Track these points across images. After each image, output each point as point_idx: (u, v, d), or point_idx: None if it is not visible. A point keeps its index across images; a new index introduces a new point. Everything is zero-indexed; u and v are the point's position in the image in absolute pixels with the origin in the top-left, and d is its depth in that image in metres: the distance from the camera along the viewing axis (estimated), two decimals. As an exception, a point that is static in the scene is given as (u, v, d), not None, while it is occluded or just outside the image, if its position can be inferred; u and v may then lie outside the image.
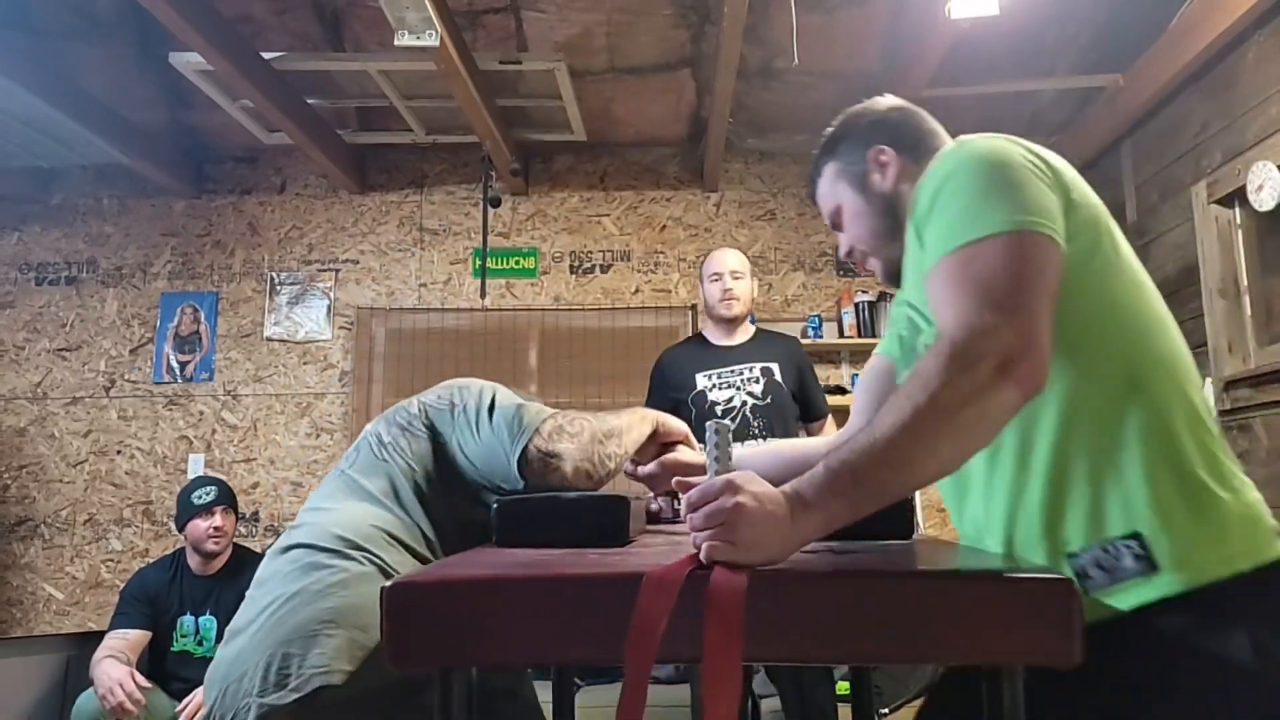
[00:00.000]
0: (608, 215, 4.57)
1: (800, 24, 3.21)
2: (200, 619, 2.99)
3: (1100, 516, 0.95)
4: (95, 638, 2.98)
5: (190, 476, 4.09)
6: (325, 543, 1.31)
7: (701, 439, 0.93)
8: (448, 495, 1.42)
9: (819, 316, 4.33)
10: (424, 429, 1.45)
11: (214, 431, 4.37)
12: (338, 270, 4.50)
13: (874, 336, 4.17)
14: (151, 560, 3.56)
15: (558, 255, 4.52)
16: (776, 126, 4.29)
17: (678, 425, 1.55)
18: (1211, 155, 3.25)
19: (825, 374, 4.12)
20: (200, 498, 3.01)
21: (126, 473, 4.34)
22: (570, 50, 3.66)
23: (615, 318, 4.44)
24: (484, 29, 3.57)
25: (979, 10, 2.90)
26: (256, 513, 4.27)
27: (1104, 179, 4.08)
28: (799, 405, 2.99)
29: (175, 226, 4.54)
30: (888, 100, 1.28)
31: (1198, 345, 3.34)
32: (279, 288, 4.48)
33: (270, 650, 1.23)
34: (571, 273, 4.50)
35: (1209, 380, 3.24)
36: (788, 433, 2.91)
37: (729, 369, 2.97)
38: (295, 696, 1.19)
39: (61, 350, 4.44)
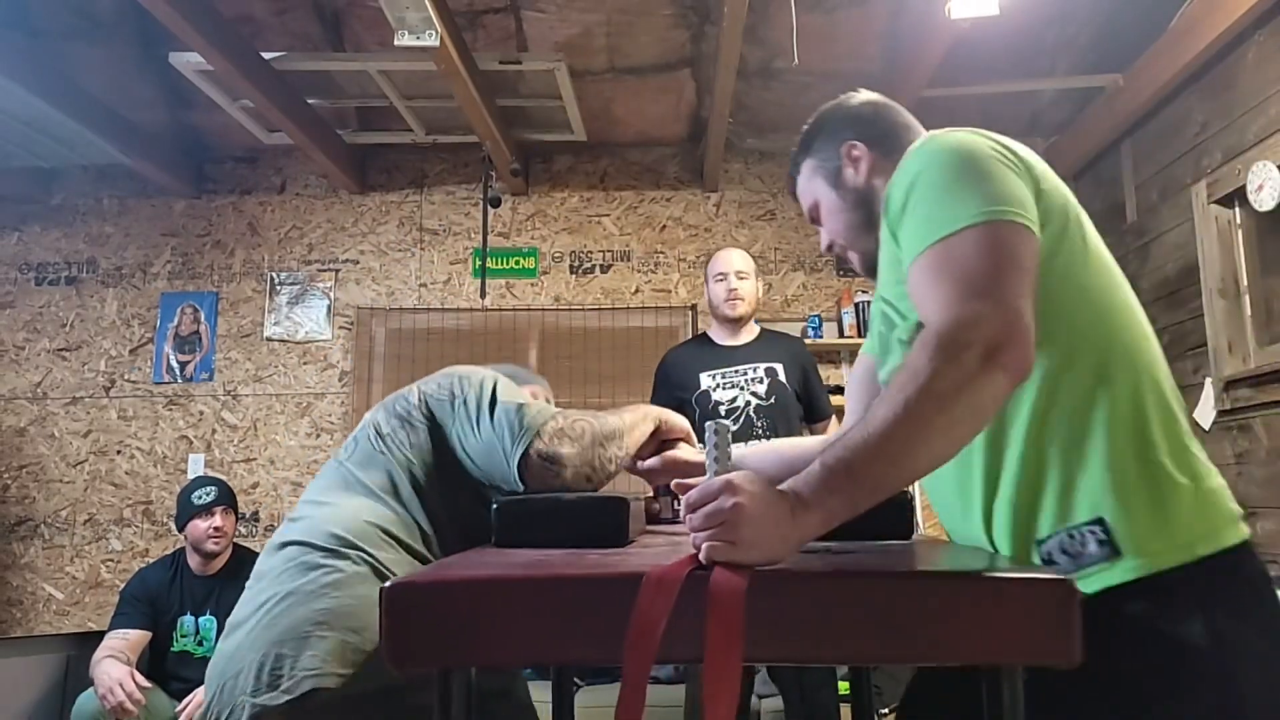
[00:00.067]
0: (608, 215, 4.57)
1: (800, 24, 3.21)
2: (200, 619, 2.99)
3: (1068, 503, 0.96)
4: (95, 638, 2.98)
5: (190, 476, 4.09)
6: (320, 541, 1.31)
7: (703, 439, 0.94)
8: (447, 490, 1.41)
9: (819, 316, 4.33)
10: (423, 420, 1.43)
11: (214, 431, 4.37)
12: (338, 270, 4.50)
13: (874, 336, 4.16)
14: (151, 560, 3.57)
15: (558, 255, 4.53)
16: (776, 126, 4.29)
17: (679, 422, 1.55)
18: (1211, 155, 3.25)
19: (825, 374, 4.11)
20: (200, 498, 3.01)
21: (126, 473, 4.34)
22: (570, 50, 3.66)
23: (615, 318, 4.44)
24: (484, 29, 3.58)
25: (979, 10, 2.90)
26: (256, 513, 4.28)
27: (1104, 179, 4.08)
28: (803, 406, 3.00)
29: (175, 226, 4.54)
30: (861, 95, 1.29)
31: (1198, 345, 3.34)
32: (279, 288, 4.48)
33: (264, 650, 1.23)
34: (571, 273, 4.50)
35: (1209, 380, 3.24)
36: (791, 433, 2.90)
37: (733, 369, 2.98)
38: (287, 698, 1.19)
39: (61, 350, 4.44)
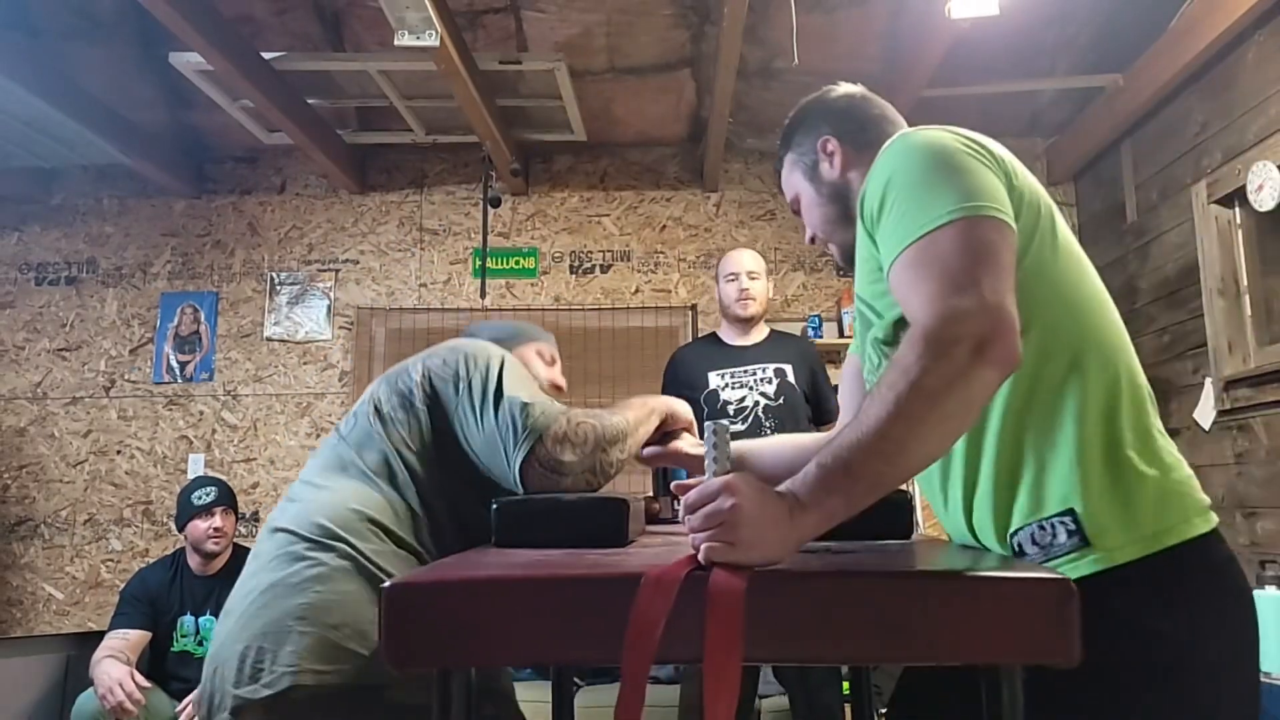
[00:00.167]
0: (608, 215, 4.57)
1: (800, 24, 3.21)
2: (200, 619, 2.99)
3: (1040, 495, 0.98)
4: (95, 638, 2.98)
5: (190, 476, 4.09)
6: (306, 531, 1.31)
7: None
8: (444, 474, 1.39)
9: (819, 316, 4.33)
10: (425, 400, 1.40)
11: (214, 431, 4.37)
12: (338, 270, 4.50)
13: (874, 336, 4.17)
14: (151, 560, 3.57)
15: (558, 255, 4.53)
16: (776, 126, 4.22)
17: (684, 413, 1.55)
18: (1211, 155, 3.25)
19: (825, 374, 4.12)
20: (200, 498, 3.01)
21: (126, 473, 4.34)
22: (570, 50, 3.66)
23: (615, 318, 4.44)
24: (484, 29, 3.58)
25: (979, 10, 2.90)
26: (256, 513, 4.27)
27: (1104, 179, 4.08)
28: (811, 407, 3.00)
29: (175, 226, 4.54)
30: (839, 89, 1.32)
31: (1198, 345, 3.34)
32: (279, 288, 4.48)
33: (246, 642, 1.25)
34: (571, 273, 4.50)
35: (1209, 380, 3.24)
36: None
37: (742, 369, 2.99)
38: (267, 693, 1.20)
39: (61, 350, 4.44)
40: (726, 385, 2.97)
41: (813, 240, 1.31)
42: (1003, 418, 0.99)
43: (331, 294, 4.47)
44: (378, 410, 1.42)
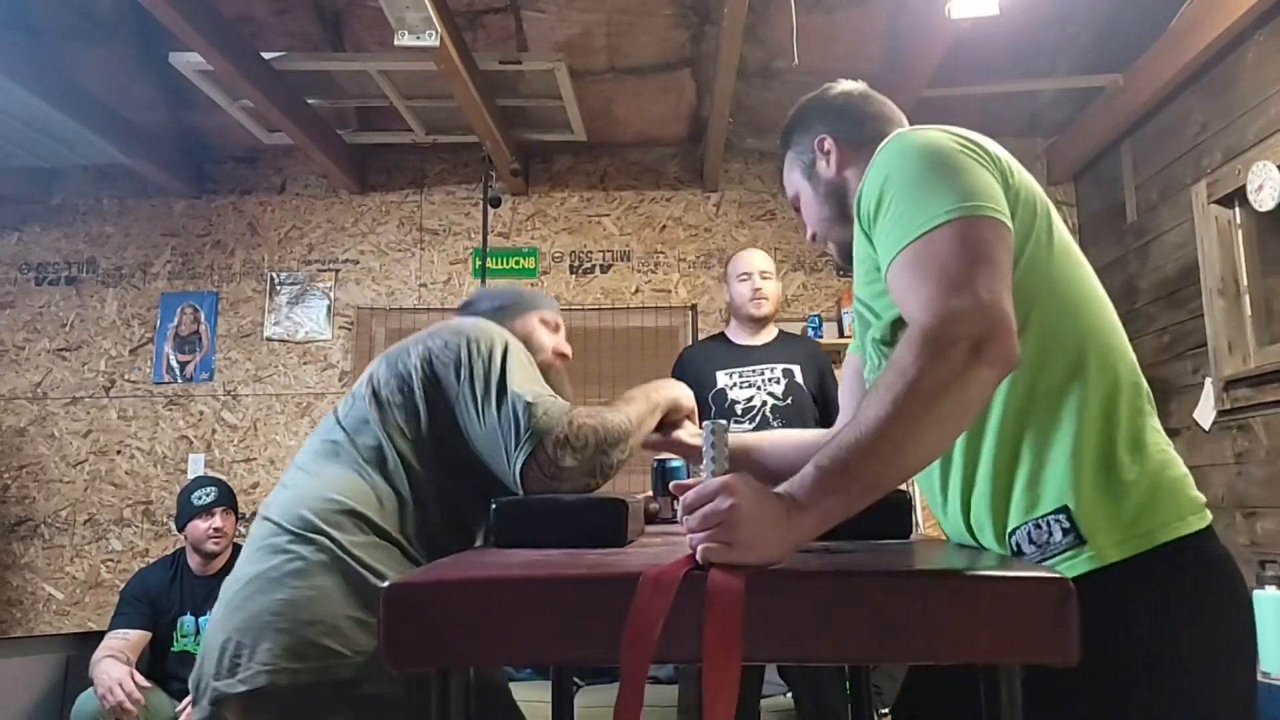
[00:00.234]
0: (608, 215, 4.57)
1: (800, 24, 3.21)
2: (200, 619, 2.99)
3: (1036, 494, 0.98)
4: (95, 638, 2.98)
5: (190, 476, 4.09)
6: (289, 523, 1.31)
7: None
8: (438, 463, 1.38)
9: (819, 316, 4.33)
10: (423, 385, 1.38)
11: (214, 431, 4.37)
12: (338, 270, 4.50)
13: (874, 336, 4.17)
14: (151, 560, 3.57)
15: (558, 255, 4.52)
16: (776, 126, 4.22)
17: (686, 402, 1.54)
18: (1211, 155, 3.25)
19: (825, 374, 4.12)
20: (200, 499, 3.01)
21: (126, 473, 4.34)
22: (570, 50, 3.66)
23: (615, 318, 4.44)
24: (484, 29, 3.58)
25: (979, 10, 2.90)
26: (256, 513, 4.27)
27: (1104, 179, 4.08)
28: (818, 408, 3.01)
29: (175, 226, 4.54)
30: (838, 87, 1.32)
31: (1198, 345, 3.34)
32: (279, 288, 4.48)
33: (227, 634, 1.26)
34: (571, 273, 4.50)
35: (1209, 380, 3.24)
36: None
37: (751, 368, 3.00)
38: (244, 689, 1.22)
39: (61, 350, 4.44)
40: (735, 385, 2.98)
41: (814, 238, 1.32)
42: (1002, 417, 1.00)
43: (331, 294, 4.47)
44: (375, 394, 1.40)
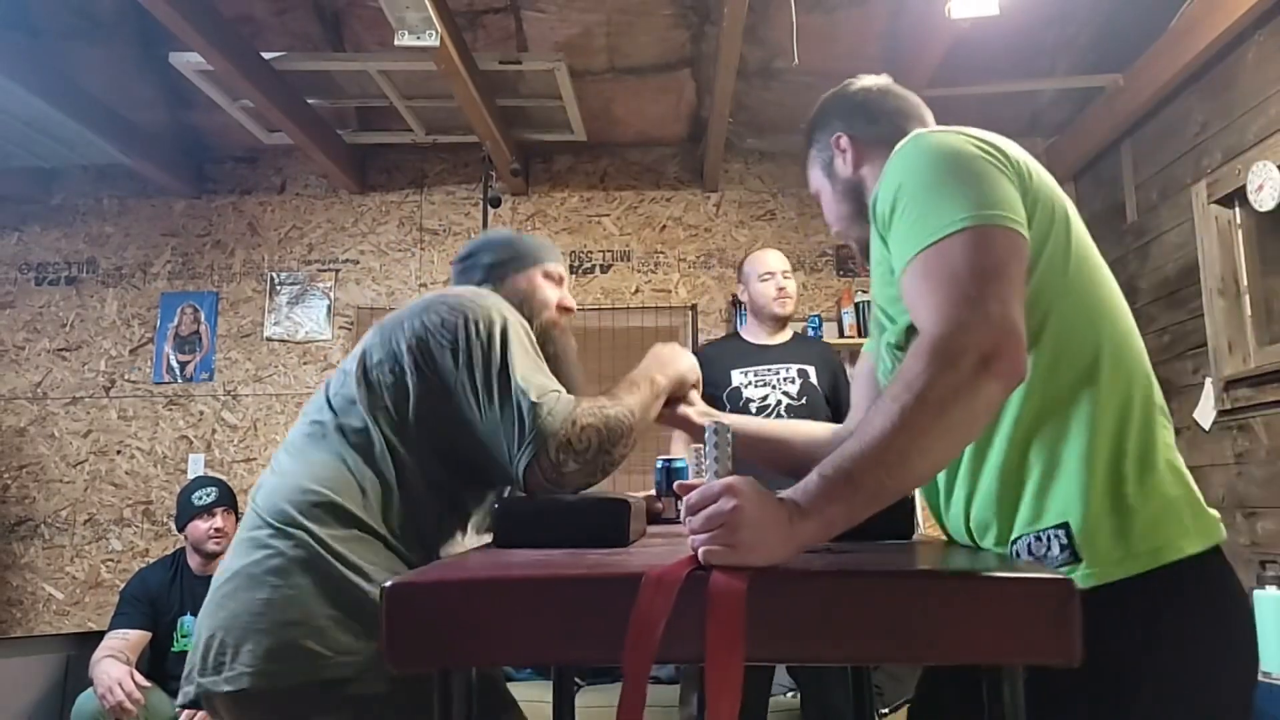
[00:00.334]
0: (608, 215, 4.57)
1: (800, 24, 3.21)
2: (200, 619, 2.99)
3: (1040, 506, 0.97)
4: (95, 638, 2.98)
5: (190, 476, 4.09)
6: (270, 516, 1.30)
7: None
8: (425, 447, 1.34)
9: (819, 316, 4.33)
10: (414, 365, 1.33)
11: (214, 431, 4.37)
12: (338, 270, 4.50)
13: (874, 336, 4.17)
14: (151, 560, 3.57)
15: (558, 255, 4.52)
16: (776, 126, 4.29)
17: (690, 376, 1.52)
18: (1211, 155, 3.25)
19: (825, 374, 4.12)
20: (201, 499, 3.01)
21: (126, 473, 4.34)
22: (570, 50, 3.66)
23: (615, 318, 4.43)
24: (484, 29, 3.57)
25: (979, 10, 2.90)
26: (256, 512, 4.27)
27: (1104, 179, 4.08)
28: (830, 410, 3.02)
29: (175, 226, 4.54)
30: (859, 82, 1.30)
31: (1198, 345, 3.34)
32: (279, 288, 4.48)
33: (210, 630, 1.26)
34: (571, 273, 4.50)
35: (1209, 380, 3.24)
36: None
37: (766, 368, 3.02)
38: (227, 689, 1.22)
39: (61, 350, 4.44)
40: (750, 383, 3.00)
41: (838, 234, 1.32)
42: (1014, 422, 0.99)
43: (331, 294, 4.47)
44: (365, 374, 1.35)
